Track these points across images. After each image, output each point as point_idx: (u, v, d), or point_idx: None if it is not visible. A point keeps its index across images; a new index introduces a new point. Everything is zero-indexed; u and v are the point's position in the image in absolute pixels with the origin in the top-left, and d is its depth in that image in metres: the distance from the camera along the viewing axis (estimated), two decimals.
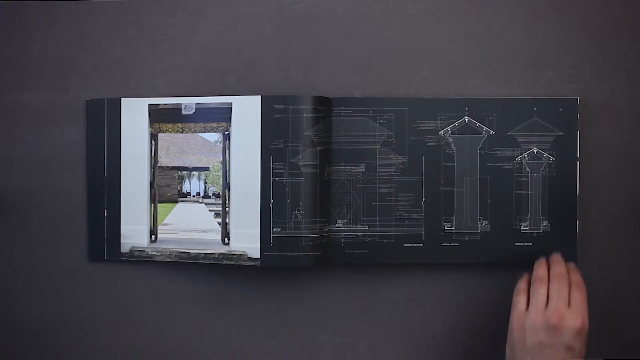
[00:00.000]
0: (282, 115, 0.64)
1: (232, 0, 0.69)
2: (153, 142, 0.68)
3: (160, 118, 0.68)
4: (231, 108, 0.66)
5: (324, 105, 0.66)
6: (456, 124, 0.67)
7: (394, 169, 0.68)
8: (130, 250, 0.69)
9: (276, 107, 0.64)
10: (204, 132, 0.66)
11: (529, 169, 0.67)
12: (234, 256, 0.65)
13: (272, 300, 0.70)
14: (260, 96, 0.65)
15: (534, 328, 0.57)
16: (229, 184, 0.65)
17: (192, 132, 0.65)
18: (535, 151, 0.67)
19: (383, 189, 0.68)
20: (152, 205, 0.68)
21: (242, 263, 0.65)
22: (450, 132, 0.68)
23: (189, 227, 0.66)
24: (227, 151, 0.64)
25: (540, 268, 0.62)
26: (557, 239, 0.67)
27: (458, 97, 0.68)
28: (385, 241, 0.68)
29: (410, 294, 0.70)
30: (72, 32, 0.70)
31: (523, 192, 0.68)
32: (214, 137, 0.64)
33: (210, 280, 0.70)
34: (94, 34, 0.70)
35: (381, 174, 0.68)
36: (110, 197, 0.69)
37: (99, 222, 0.69)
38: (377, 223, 0.68)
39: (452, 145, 0.68)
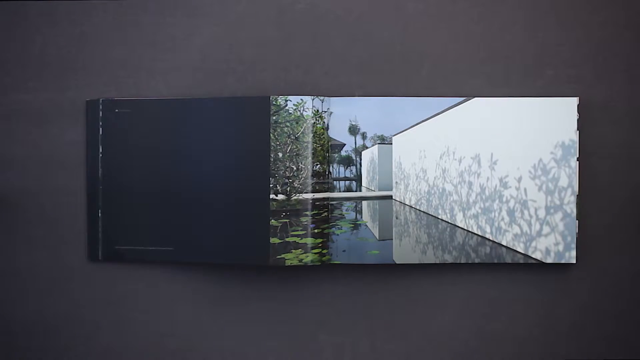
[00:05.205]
0: None
1: (232, 0, 0.69)
2: None
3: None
4: None
5: None
6: None
7: None
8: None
9: None
10: None
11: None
12: None
13: (272, 300, 0.70)
14: None
15: None
16: None
17: None
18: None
19: None
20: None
21: None
22: None
23: None
24: None
25: None
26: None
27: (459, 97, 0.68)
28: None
29: (411, 294, 0.70)
30: (72, 32, 0.70)
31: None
32: None
33: (210, 280, 0.70)
34: (94, 34, 0.70)
35: None
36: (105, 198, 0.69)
37: (95, 222, 0.69)
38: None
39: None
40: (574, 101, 0.67)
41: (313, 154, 0.67)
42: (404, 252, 0.69)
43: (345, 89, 0.69)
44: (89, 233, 0.70)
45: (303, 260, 0.66)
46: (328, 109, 0.67)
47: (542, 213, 0.67)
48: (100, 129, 0.69)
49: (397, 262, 0.68)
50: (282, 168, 0.66)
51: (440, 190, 0.69)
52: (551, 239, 0.67)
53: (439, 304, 0.70)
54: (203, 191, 0.67)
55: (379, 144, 0.69)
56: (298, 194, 0.66)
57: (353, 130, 0.68)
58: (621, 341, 0.69)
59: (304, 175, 0.67)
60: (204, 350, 0.70)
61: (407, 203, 0.69)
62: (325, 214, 0.68)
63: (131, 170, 0.69)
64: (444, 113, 0.68)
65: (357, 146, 0.69)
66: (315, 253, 0.67)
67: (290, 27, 0.69)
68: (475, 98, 0.68)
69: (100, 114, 0.69)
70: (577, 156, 0.67)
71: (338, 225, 0.68)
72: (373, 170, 0.69)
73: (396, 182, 0.69)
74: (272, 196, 0.66)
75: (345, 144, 0.69)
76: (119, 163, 0.69)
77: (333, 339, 0.70)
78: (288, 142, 0.66)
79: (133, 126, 0.69)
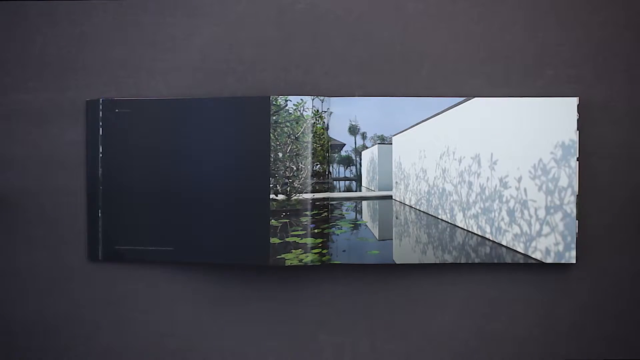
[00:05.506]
0: None
1: (232, 0, 0.69)
2: None
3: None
4: None
5: None
6: None
7: None
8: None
9: None
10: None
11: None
12: None
13: (272, 300, 0.70)
14: None
15: None
16: None
17: None
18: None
19: None
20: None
21: None
22: None
23: None
24: None
25: None
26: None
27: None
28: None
29: (411, 294, 0.70)
30: (72, 32, 0.70)
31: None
32: None
33: (210, 280, 0.70)
34: (94, 34, 0.70)
35: None
36: (105, 198, 0.69)
37: (95, 223, 0.69)
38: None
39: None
40: (574, 101, 0.67)
41: (313, 154, 0.67)
42: (404, 252, 0.69)
43: (345, 89, 0.69)
44: (89, 233, 0.70)
45: (303, 260, 0.66)
46: (328, 109, 0.68)
47: (542, 213, 0.67)
48: (100, 129, 0.69)
49: (397, 262, 0.68)
50: (282, 168, 0.66)
51: (440, 190, 0.69)
52: (551, 239, 0.67)
53: (439, 304, 0.70)
54: (203, 191, 0.67)
55: (379, 144, 0.69)
56: (298, 194, 0.66)
57: (353, 130, 0.68)
58: (621, 341, 0.69)
59: (304, 175, 0.67)
60: (204, 350, 0.70)
61: (407, 203, 0.69)
62: (325, 214, 0.68)
63: (131, 170, 0.69)
64: (444, 113, 0.68)
65: (357, 146, 0.69)
66: (315, 253, 0.67)
67: (290, 27, 0.69)
68: (475, 98, 0.68)
69: (100, 114, 0.69)
70: (577, 156, 0.67)
71: (338, 225, 0.68)
72: (373, 170, 0.69)
73: (396, 182, 0.69)
74: (272, 196, 0.66)
75: (345, 144, 0.69)
76: (119, 163, 0.69)
77: (333, 339, 0.70)
78: (288, 142, 0.66)
79: (133, 126, 0.69)
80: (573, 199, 0.67)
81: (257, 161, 0.66)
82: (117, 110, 0.69)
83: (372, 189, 0.69)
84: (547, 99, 0.67)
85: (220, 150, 0.67)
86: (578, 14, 0.69)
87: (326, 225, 0.68)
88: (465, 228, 0.69)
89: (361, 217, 0.69)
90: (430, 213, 0.69)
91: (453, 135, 0.68)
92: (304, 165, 0.66)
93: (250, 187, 0.66)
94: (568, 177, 0.67)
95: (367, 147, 0.69)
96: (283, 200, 0.66)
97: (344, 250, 0.68)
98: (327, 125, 0.68)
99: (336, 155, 0.68)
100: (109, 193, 0.69)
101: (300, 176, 0.66)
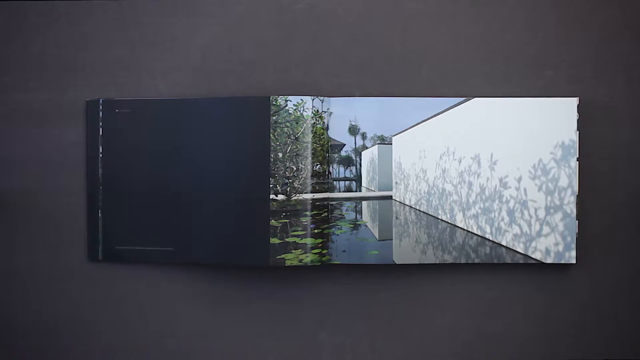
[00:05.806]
0: None
1: (232, 1, 0.69)
2: None
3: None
4: None
5: None
6: None
7: None
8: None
9: None
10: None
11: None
12: None
13: (272, 300, 0.70)
14: None
15: None
16: None
17: None
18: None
19: None
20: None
21: None
22: None
23: None
24: None
25: None
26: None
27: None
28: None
29: (411, 294, 0.70)
30: (72, 32, 0.70)
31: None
32: None
33: (210, 280, 0.70)
34: (94, 34, 0.70)
35: None
36: (105, 198, 0.69)
37: (95, 223, 0.69)
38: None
39: None
40: (574, 101, 0.67)
41: (313, 154, 0.67)
42: (403, 252, 0.69)
43: (345, 89, 0.69)
44: (89, 233, 0.70)
45: (303, 261, 0.66)
46: (328, 109, 0.68)
47: (542, 213, 0.67)
48: (100, 129, 0.69)
49: (397, 262, 0.68)
50: (282, 168, 0.66)
51: (440, 190, 0.69)
52: (551, 239, 0.67)
53: (439, 304, 0.70)
54: (203, 191, 0.67)
55: (379, 144, 0.69)
56: (298, 194, 0.66)
57: (353, 130, 0.68)
58: (621, 341, 0.69)
59: (304, 175, 0.67)
60: (204, 350, 0.70)
61: (407, 203, 0.69)
62: (325, 214, 0.68)
63: (131, 170, 0.69)
64: (444, 113, 0.68)
65: (357, 146, 0.69)
66: (315, 253, 0.67)
67: (290, 27, 0.69)
68: (475, 98, 0.68)
69: (100, 114, 0.69)
70: (577, 156, 0.67)
71: (338, 225, 0.68)
72: (373, 171, 0.69)
73: (396, 182, 0.69)
74: (272, 196, 0.66)
75: (345, 144, 0.69)
76: (119, 163, 0.69)
77: (333, 339, 0.70)
78: (288, 142, 0.66)
79: (133, 126, 0.69)
80: (573, 199, 0.67)
81: (257, 161, 0.66)
82: (117, 111, 0.69)
83: (372, 189, 0.69)
84: (547, 99, 0.67)
85: (220, 150, 0.67)
86: (578, 14, 0.69)
87: (326, 225, 0.68)
88: (465, 228, 0.69)
89: (361, 217, 0.69)
90: (430, 213, 0.69)
91: (453, 135, 0.68)
92: (304, 165, 0.66)
93: (250, 187, 0.66)
94: (568, 177, 0.67)
95: (367, 147, 0.69)
96: (283, 201, 0.66)
97: (344, 251, 0.68)
98: (327, 125, 0.68)
99: (336, 155, 0.68)
100: (109, 193, 0.69)
101: (300, 176, 0.66)
